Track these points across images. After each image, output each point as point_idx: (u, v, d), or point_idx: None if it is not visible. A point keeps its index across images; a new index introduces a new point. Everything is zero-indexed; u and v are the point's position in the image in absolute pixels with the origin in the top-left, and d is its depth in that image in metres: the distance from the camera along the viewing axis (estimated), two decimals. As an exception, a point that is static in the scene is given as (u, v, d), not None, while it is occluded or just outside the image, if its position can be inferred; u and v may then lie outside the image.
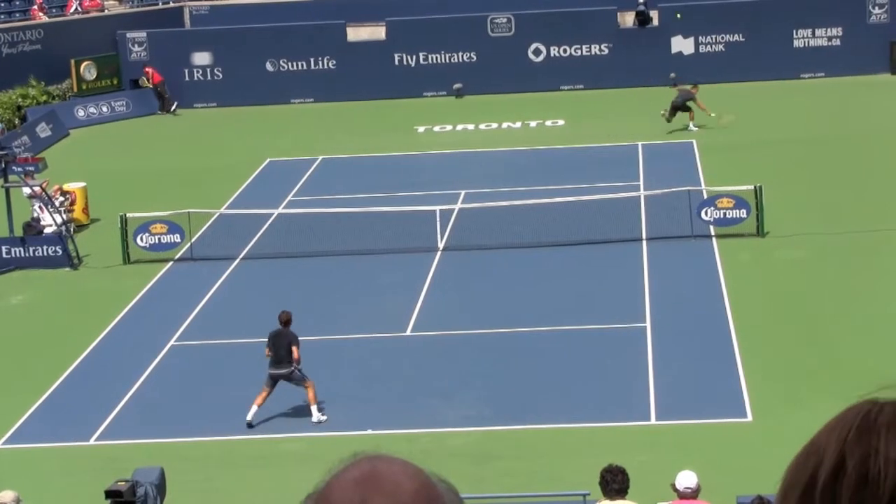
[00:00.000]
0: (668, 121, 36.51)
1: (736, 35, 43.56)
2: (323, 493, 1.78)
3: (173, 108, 44.16)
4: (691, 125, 36.50)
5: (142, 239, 27.83)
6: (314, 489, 1.79)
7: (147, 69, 44.24)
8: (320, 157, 36.11)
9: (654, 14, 44.27)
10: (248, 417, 19.79)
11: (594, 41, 43.97)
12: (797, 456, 1.85)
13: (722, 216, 27.31)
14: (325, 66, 44.47)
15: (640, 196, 29.41)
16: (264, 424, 19.77)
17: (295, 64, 44.49)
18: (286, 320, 19.99)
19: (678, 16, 34.10)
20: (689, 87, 37.00)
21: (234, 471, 18.48)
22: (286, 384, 19.85)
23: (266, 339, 20.01)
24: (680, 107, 36.47)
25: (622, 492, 12.87)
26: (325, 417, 19.90)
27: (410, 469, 1.79)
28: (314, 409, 19.85)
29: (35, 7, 45.65)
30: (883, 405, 1.83)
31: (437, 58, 44.40)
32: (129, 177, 34.76)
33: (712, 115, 36.28)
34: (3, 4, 45.65)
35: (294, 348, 19.69)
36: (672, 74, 43.07)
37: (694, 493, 13.03)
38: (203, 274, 26.82)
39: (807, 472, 1.81)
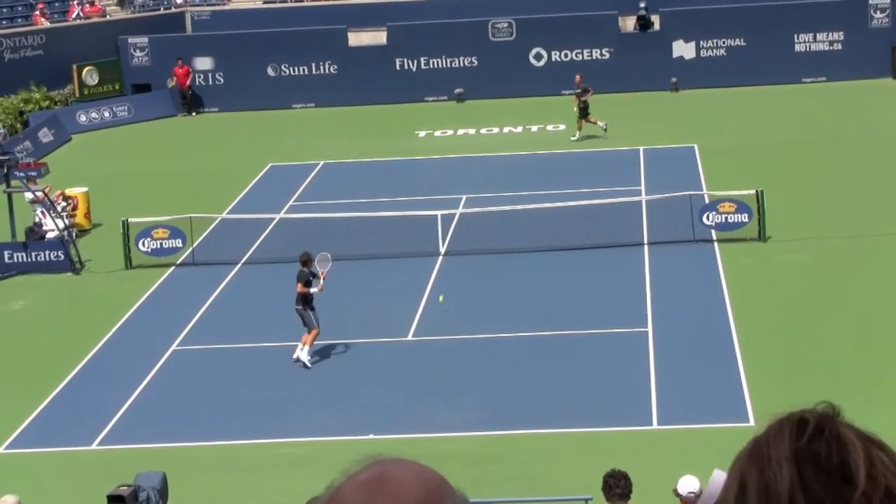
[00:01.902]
0: (584, 125, 37.07)
1: (737, 39, 43.57)
2: (333, 494, 1.80)
3: (182, 113, 44.26)
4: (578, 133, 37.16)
5: (144, 244, 27.85)
6: (325, 490, 1.81)
7: (181, 66, 43.98)
8: (322, 162, 36.12)
9: (655, 18, 44.29)
10: (306, 363, 21.85)
11: (595, 46, 43.99)
12: None
13: (724, 220, 27.31)
14: (327, 71, 44.49)
15: (641, 200, 29.41)
16: (266, 429, 19.78)
17: (296, 69, 44.52)
18: (303, 261, 22.58)
19: (440, 298, 28.20)
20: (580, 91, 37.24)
21: (235, 475, 18.48)
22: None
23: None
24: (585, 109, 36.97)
25: (625, 496, 12.86)
26: (308, 363, 21.89)
27: (421, 473, 1.80)
28: (304, 348, 21.91)
29: (37, 12, 45.69)
30: (769, 423, 1.91)
31: (438, 62, 44.42)
32: (131, 182, 34.78)
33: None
34: (5, 10, 45.70)
35: (298, 284, 22.05)
36: (673, 79, 43.12)
37: (696, 498, 13.02)
38: (204, 278, 26.83)
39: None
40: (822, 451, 1.83)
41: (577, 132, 36.96)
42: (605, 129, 36.75)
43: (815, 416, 1.88)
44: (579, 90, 37.26)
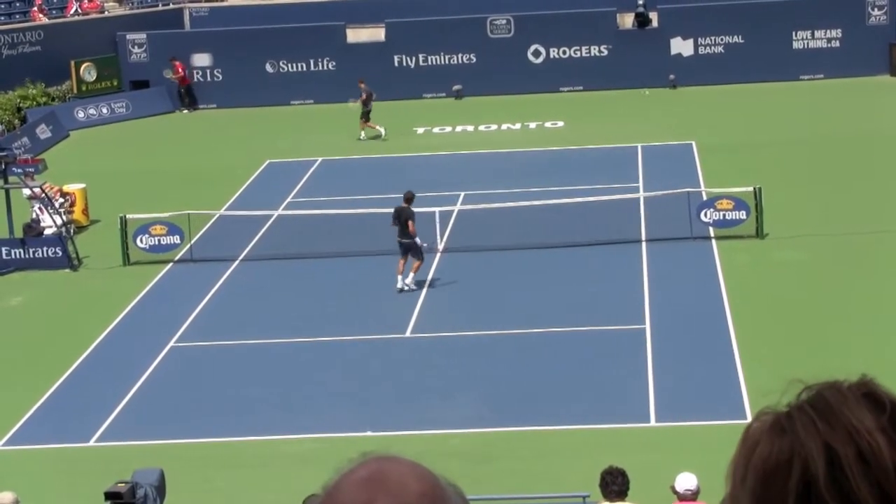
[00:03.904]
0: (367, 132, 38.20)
1: (735, 36, 43.57)
2: (330, 492, 1.79)
3: (185, 110, 44.32)
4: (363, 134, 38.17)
5: (141, 240, 27.84)
6: (322, 488, 1.81)
7: (176, 63, 44.13)
8: (320, 159, 36.13)
9: (653, 15, 44.29)
10: (398, 286, 24.35)
11: (593, 42, 43.99)
12: (746, 477, 1.83)
13: (721, 218, 27.32)
14: (325, 68, 44.48)
15: (639, 197, 29.41)
16: (264, 426, 19.77)
17: (295, 65, 44.51)
18: (408, 198, 24.60)
19: (646, 93, 36.27)
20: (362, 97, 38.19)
21: (233, 472, 18.48)
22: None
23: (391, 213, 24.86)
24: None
25: (622, 494, 12.88)
26: (412, 287, 24.39)
27: (418, 470, 1.79)
28: (411, 275, 24.38)
29: (35, 8, 45.66)
30: (817, 392, 1.85)
31: (436, 59, 44.41)
32: (129, 178, 34.77)
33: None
34: (2, 6, 45.66)
35: (409, 222, 24.07)
36: (671, 76, 43.13)
37: (693, 495, 13.03)
38: (202, 275, 26.83)
39: (793, 481, 1.79)
40: None
41: (362, 133, 38.17)
42: (362, 137, 38.01)
43: (873, 385, 1.84)
44: (363, 95, 38.14)
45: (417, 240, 24.52)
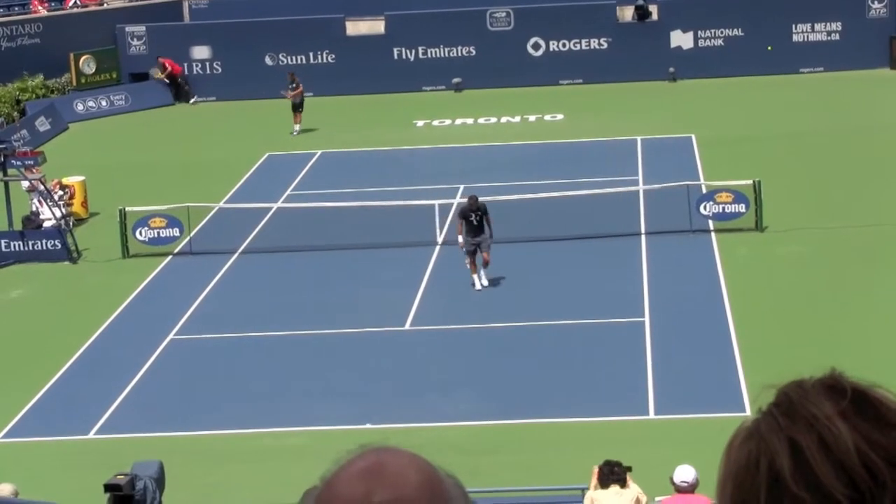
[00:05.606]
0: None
1: (735, 29, 43.54)
2: (329, 483, 1.79)
3: (193, 100, 44.30)
4: (297, 128, 38.28)
5: (141, 233, 27.84)
6: (320, 480, 1.80)
7: (163, 60, 44.26)
8: (319, 152, 36.11)
9: (653, 8, 44.26)
10: (477, 287, 24.43)
11: (593, 35, 43.97)
12: (726, 486, 1.85)
13: (721, 211, 27.32)
14: (325, 60, 44.45)
15: (639, 190, 29.41)
16: (263, 418, 19.78)
17: (294, 58, 44.47)
18: (469, 199, 25.09)
19: (769, 48, 41.48)
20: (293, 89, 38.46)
21: (233, 465, 18.50)
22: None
23: None
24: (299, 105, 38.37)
25: (621, 481, 12.97)
26: (481, 285, 24.40)
27: (417, 462, 1.79)
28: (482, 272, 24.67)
29: (35, 0, 45.62)
30: (782, 391, 1.87)
31: (436, 52, 44.38)
32: (129, 171, 34.76)
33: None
34: (2, -2, 45.66)
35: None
36: (671, 69, 43.11)
37: (692, 488, 13.06)
38: (202, 268, 26.83)
39: (761, 477, 1.81)
40: (869, 405, 1.80)
41: (296, 126, 38.29)
42: (295, 133, 38.20)
43: (838, 377, 1.86)
44: (293, 85, 38.30)
45: (459, 238, 24.82)
